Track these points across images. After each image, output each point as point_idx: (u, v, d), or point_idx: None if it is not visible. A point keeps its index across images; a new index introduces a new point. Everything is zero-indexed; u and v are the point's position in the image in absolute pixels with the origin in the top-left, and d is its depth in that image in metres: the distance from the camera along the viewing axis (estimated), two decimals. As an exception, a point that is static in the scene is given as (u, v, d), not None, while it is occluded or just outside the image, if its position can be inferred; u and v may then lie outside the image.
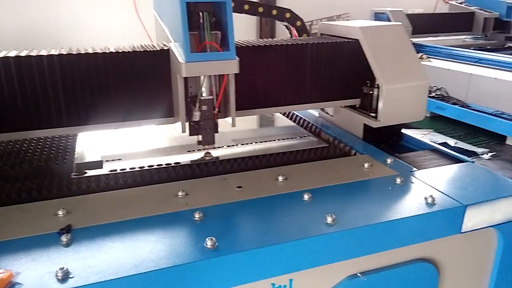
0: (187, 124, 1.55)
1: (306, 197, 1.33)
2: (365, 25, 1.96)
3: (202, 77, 1.50)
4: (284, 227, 1.18)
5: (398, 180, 1.45)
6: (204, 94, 1.52)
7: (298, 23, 2.69)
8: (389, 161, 1.62)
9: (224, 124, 1.63)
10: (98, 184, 1.48)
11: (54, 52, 1.53)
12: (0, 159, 1.70)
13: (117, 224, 1.21)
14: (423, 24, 6.35)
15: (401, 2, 7.30)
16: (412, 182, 1.46)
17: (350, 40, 1.93)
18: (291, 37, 2.74)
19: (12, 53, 1.49)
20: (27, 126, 1.53)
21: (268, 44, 1.77)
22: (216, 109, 1.55)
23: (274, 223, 1.21)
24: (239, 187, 1.43)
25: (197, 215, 1.22)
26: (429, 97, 4.67)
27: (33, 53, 1.50)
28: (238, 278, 1.09)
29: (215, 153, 1.80)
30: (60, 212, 1.25)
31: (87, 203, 1.34)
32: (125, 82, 1.57)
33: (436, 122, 5.24)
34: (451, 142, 4.62)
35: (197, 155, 1.74)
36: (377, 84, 1.89)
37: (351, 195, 1.38)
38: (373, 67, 1.84)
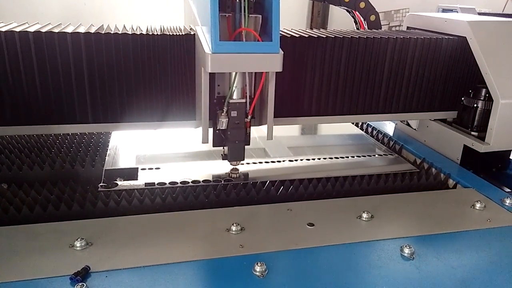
0: (210, 131, 1.22)
1: (407, 251, 0.96)
2: (474, 19, 1.54)
3: (233, 74, 1.16)
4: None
5: (530, 234, 1.05)
6: (234, 96, 1.19)
7: (362, 5, 2.26)
8: (508, 202, 1.21)
9: (276, 126, 1.26)
10: (130, 202, 1.17)
11: (80, 30, 1.22)
12: (19, 155, 1.43)
13: (148, 271, 0.89)
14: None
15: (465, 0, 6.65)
16: (549, 238, 1.06)
17: (452, 37, 1.52)
18: (356, 26, 2.32)
19: (32, 28, 1.19)
20: (47, 119, 1.24)
21: (328, 36, 1.38)
22: (249, 116, 1.21)
23: (369, 293, 0.85)
24: (311, 224, 1.08)
25: (258, 268, 0.88)
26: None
27: (56, 30, 1.19)
28: None
29: (271, 165, 1.46)
30: (78, 244, 0.95)
31: (114, 231, 1.03)
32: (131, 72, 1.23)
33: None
34: None
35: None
36: (486, 96, 1.48)
37: (474, 257, 0.98)
38: (485, 74, 1.43)
